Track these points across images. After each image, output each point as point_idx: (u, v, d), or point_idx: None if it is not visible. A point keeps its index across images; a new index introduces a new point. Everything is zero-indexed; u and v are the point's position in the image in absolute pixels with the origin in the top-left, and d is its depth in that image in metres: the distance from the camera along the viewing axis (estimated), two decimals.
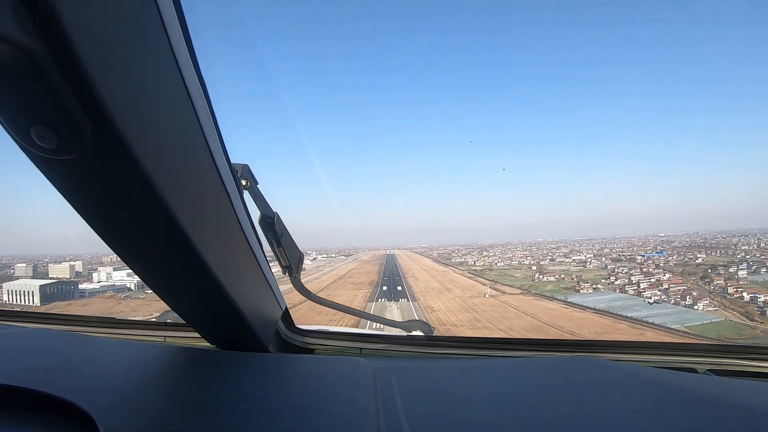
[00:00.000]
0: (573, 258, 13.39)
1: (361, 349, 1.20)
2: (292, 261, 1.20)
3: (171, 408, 0.60)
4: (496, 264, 13.78)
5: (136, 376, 0.74)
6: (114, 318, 1.26)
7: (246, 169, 1.03)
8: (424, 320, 1.41)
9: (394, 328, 1.49)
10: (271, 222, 1.09)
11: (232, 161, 0.71)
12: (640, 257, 12.57)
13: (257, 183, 1.07)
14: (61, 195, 0.50)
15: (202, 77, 0.56)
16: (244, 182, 1.03)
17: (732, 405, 0.70)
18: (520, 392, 0.74)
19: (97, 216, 0.55)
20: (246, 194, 1.05)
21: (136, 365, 0.78)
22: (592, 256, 13.22)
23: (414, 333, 1.38)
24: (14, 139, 0.42)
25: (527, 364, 0.95)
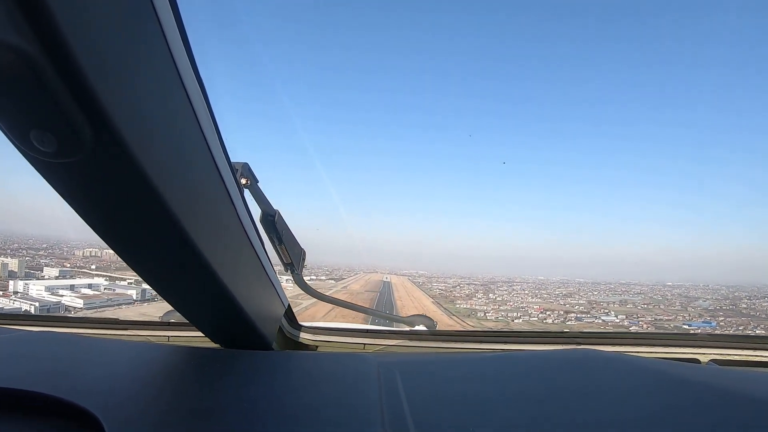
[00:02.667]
0: (603, 319, 10.63)
1: (364, 344, 1.20)
2: (294, 258, 1.20)
3: (176, 407, 0.60)
4: (513, 320, 10.84)
5: (141, 376, 0.74)
6: (117, 319, 1.27)
7: (246, 167, 1.03)
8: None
9: (398, 323, 1.50)
10: (272, 220, 1.09)
11: (232, 160, 0.71)
12: (687, 327, 9.87)
13: (257, 181, 1.08)
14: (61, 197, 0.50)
15: (200, 76, 0.56)
16: (244, 180, 1.03)
17: (736, 395, 0.70)
18: (523, 385, 0.75)
19: (99, 217, 0.55)
20: (247, 193, 1.06)
21: (141, 365, 0.79)
22: (624, 317, 10.52)
23: (417, 327, 1.39)
24: (14, 143, 0.42)
25: (530, 356, 0.95)
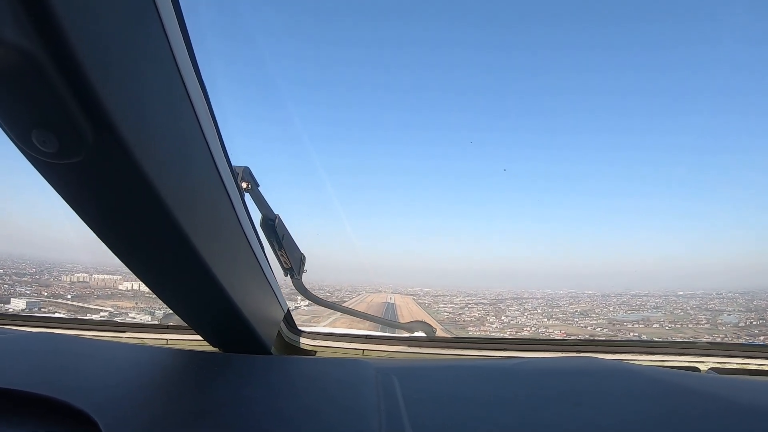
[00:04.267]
0: None
1: (363, 350, 1.20)
2: (294, 263, 1.20)
3: (174, 410, 0.60)
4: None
5: (139, 378, 0.74)
6: (115, 320, 1.26)
7: (247, 171, 1.04)
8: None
9: (397, 330, 1.49)
10: (272, 224, 1.09)
11: (233, 164, 0.71)
12: None
13: (258, 185, 1.08)
14: (63, 200, 0.50)
15: (202, 78, 0.56)
16: (244, 185, 1.03)
17: (735, 404, 0.70)
18: (522, 392, 0.74)
19: (99, 219, 0.55)
20: (247, 197, 1.06)
21: (139, 368, 0.78)
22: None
23: (416, 334, 1.38)
24: (15, 143, 0.42)
25: (529, 363, 0.94)
